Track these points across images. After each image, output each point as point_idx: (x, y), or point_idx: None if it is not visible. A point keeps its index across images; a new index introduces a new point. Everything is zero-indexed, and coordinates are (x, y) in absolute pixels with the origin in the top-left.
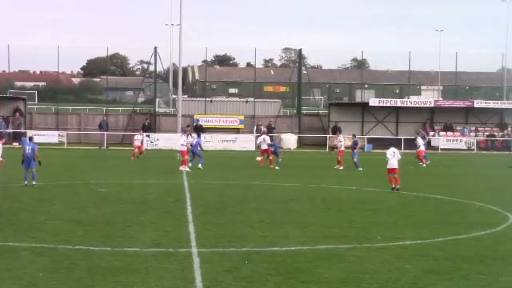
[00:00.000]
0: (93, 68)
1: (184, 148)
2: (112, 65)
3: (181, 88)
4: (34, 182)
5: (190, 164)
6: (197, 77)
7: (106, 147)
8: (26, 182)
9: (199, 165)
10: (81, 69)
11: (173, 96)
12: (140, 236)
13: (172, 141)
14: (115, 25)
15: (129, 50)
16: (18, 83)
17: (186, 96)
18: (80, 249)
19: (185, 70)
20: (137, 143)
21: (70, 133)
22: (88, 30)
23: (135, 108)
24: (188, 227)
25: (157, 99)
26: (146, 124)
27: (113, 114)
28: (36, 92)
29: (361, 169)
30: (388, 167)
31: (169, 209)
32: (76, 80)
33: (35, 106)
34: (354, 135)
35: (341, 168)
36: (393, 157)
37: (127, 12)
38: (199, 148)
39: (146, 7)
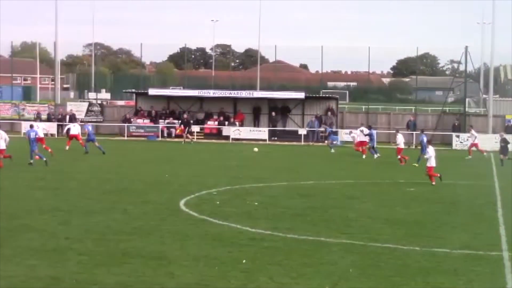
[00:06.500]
0: (403, 68)
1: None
2: (422, 65)
3: (492, 88)
4: (31, 161)
5: None
6: (509, 76)
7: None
8: (31, 161)
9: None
10: (391, 69)
11: (484, 96)
12: (449, 237)
13: (482, 141)
14: (425, 26)
15: (439, 49)
16: (331, 83)
17: (497, 96)
18: (388, 247)
19: (496, 70)
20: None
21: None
22: (398, 31)
23: (444, 108)
24: (499, 230)
25: (467, 99)
26: (456, 124)
27: (422, 114)
28: (347, 92)
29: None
30: (428, 165)
31: (479, 211)
32: (385, 80)
33: (346, 106)
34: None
35: None
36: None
37: (439, 12)
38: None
39: (458, 6)
